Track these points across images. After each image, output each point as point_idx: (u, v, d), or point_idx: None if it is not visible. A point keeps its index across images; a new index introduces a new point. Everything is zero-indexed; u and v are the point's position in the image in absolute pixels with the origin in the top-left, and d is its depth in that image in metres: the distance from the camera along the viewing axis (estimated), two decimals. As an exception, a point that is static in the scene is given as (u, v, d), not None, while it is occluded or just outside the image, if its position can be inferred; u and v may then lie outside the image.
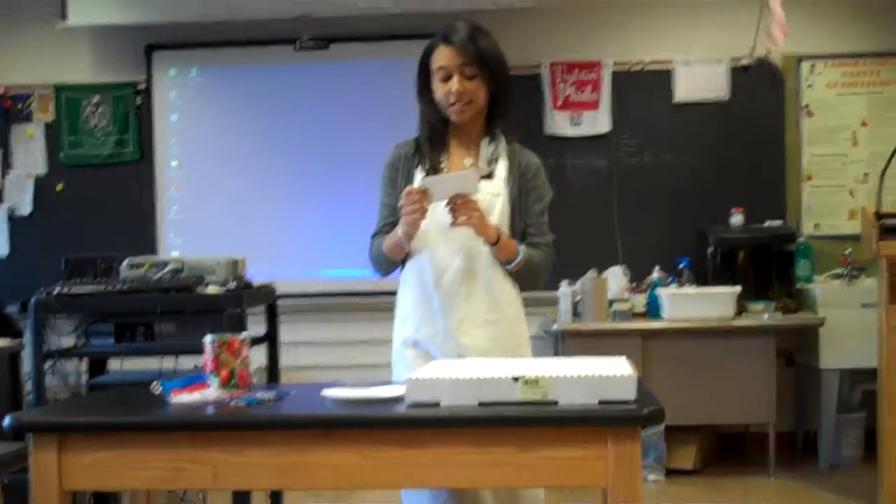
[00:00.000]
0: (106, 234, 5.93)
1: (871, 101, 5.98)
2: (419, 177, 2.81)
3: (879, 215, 4.13)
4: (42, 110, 6.17)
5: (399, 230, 2.75)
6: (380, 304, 5.46)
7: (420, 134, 2.91)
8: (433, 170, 2.82)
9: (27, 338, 4.01)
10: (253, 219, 6.01)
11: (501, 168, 2.84)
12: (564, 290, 5.37)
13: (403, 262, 2.87)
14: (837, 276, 5.59)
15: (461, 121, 2.82)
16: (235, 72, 6.10)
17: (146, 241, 5.97)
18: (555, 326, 5.31)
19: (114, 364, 4.17)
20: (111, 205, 6.07)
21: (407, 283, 2.86)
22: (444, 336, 2.77)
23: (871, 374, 4.53)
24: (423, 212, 2.67)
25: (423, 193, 2.64)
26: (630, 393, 2.02)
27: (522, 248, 2.80)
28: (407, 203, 2.66)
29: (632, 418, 1.97)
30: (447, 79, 2.77)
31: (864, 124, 5.98)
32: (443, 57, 2.78)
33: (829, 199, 5.98)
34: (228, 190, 6.06)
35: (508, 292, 2.83)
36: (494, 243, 2.74)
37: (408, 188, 2.68)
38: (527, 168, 2.87)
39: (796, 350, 5.71)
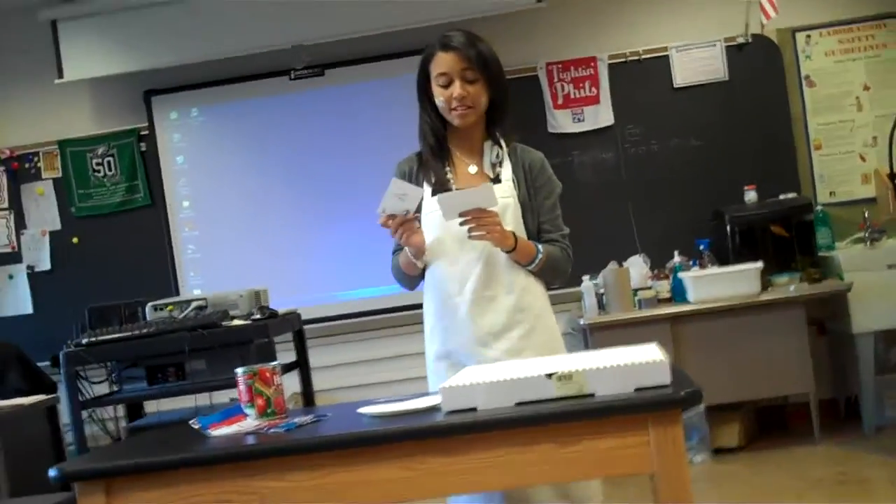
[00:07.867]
0: (126, 281, 5.92)
1: (870, 65, 5.95)
2: (427, 192, 2.81)
3: (893, 176, 4.12)
4: (49, 167, 6.20)
5: (407, 250, 2.78)
6: (405, 318, 5.51)
7: (422, 146, 2.91)
8: (440, 183, 2.82)
9: (62, 390, 4.03)
10: (269, 249, 6.02)
11: (507, 170, 2.84)
12: (587, 284, 5.37)
13: (424, 275, 2.88)
14: (859, 241, 5.57)
15: (464, 125, 2.82)
16: (235, 107, 6.11)
17: (166, 283, 5.99)
18: (582, 322, 5.30)
19: (150, 406, 4.19)
20: (128, 251, 6.09)
21: (429, 296, 2.86)
22: (475, 343, 2.77)
23: (904, 333, 4.51)
24: (413, 230, 2.70)
25: (393, 216, 2.66)
26: (665, 377, 2.02)
27: (541, 248, 2.79)
28: (392, 233, 2.70)
29: (670, 402, 1.96)
30: (448, 84, 2.78)
31: (866, 88, 5.95)
32: (443, 63, 2.78)
33: (840, 166, 5.95)
34: (242, 224, 6.08)
35: (533, 289, 2.82)
36: (512, 250, 2.74)
37: (380, 221, 2.69)
38: (531, 166, 2.87)
39: (827, 318, 5.67)
